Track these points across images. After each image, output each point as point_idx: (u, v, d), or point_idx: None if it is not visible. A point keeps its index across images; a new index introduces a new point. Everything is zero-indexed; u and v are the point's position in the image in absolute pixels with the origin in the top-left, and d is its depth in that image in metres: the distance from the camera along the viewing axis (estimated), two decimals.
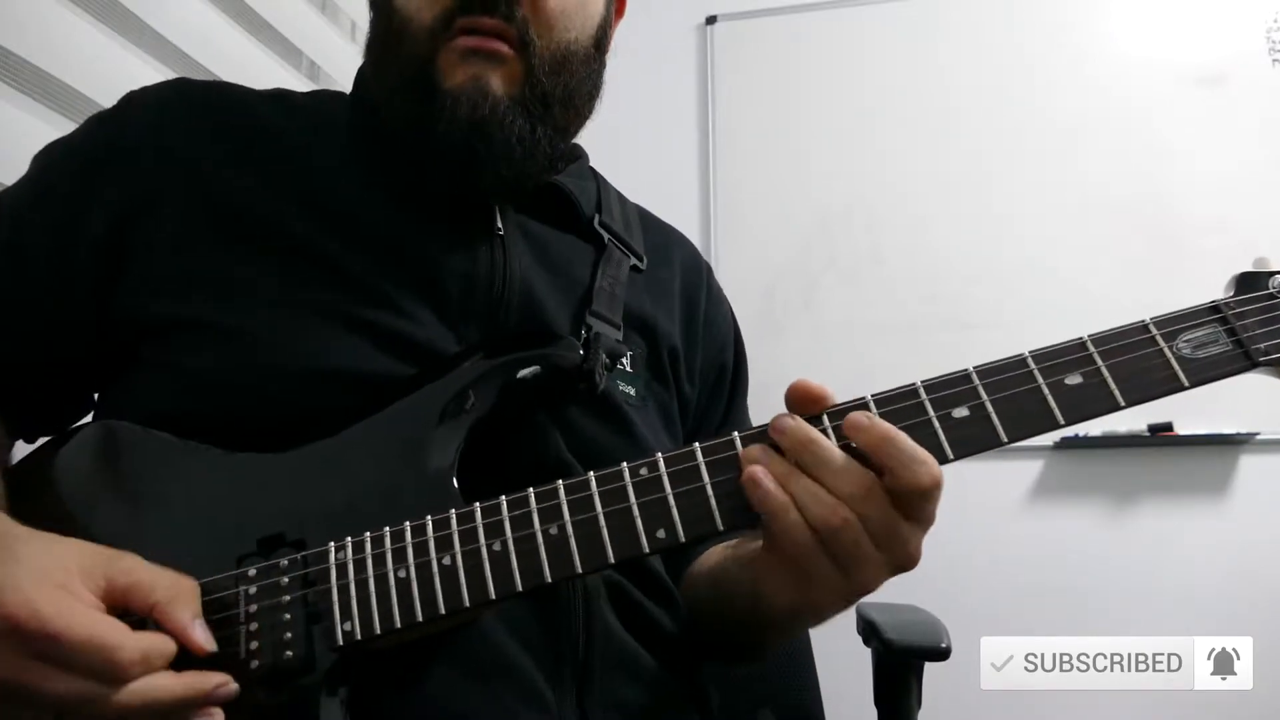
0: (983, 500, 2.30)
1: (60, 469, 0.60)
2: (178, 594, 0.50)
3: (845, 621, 1.06)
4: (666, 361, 0.75)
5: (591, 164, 0.84)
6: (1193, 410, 2.17)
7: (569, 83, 0.68)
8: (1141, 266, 2.21)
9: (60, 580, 0.47)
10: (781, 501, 0.50)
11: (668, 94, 2.64)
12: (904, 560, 0.53)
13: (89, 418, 0.69)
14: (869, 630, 1.00)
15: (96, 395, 0.70)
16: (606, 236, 0.75)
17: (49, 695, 0.46)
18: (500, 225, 0.69)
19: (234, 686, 0.50)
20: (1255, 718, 2.08)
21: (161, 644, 0.48)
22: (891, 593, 1.11)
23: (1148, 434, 2.20)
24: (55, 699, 0.46)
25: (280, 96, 0.74)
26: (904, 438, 0.50)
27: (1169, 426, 2.19)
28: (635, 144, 2.56)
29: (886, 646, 0.95)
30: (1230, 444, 2.19)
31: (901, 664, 0.95)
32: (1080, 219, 2.32)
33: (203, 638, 0.50)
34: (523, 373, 0.61)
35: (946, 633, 0.95)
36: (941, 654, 0.93)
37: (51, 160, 0.68)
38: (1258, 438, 2.17)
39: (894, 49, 2.51)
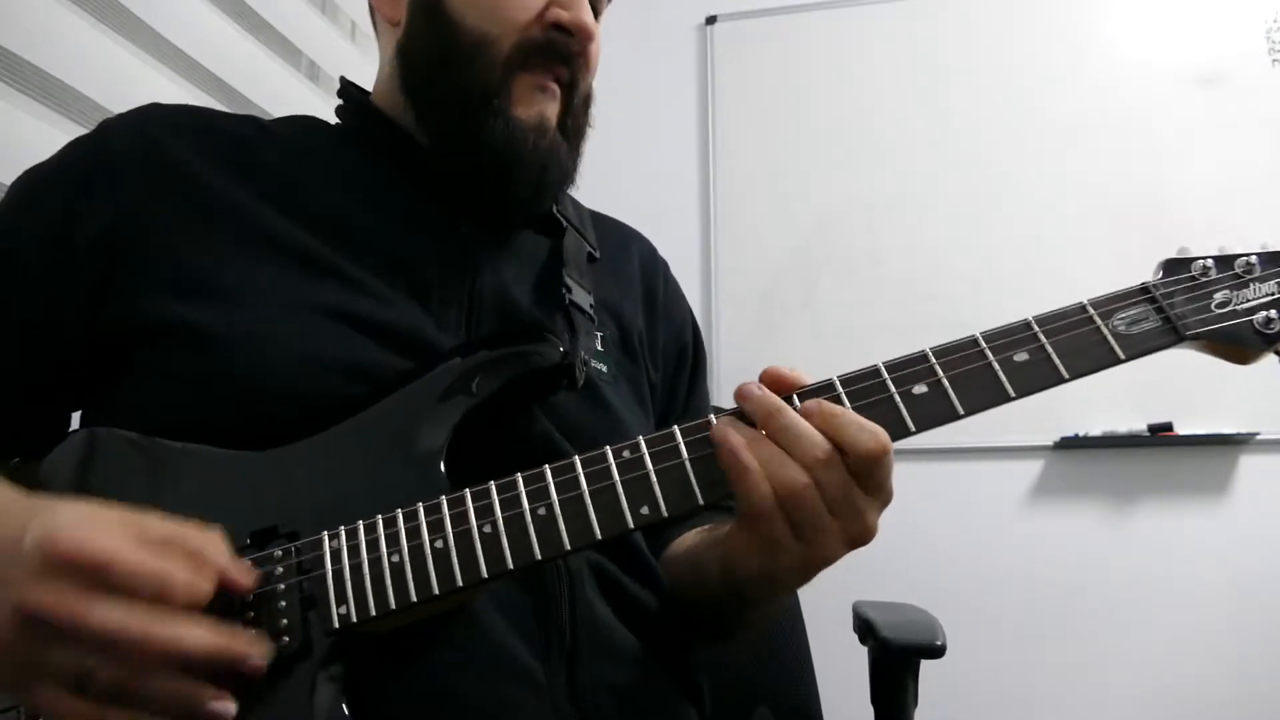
0: (982, 500, 2.31)
1: (47, 476, 0.60)
2: (208, 541, 0.51)
3: (843, 620, 1.07)
4: (635, 342, 0.79)
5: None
6: (1193, 410, 2.17)
7: (588, 119, 0.77)
8: (1141, 266, 2.18)
9: (102, 518, 0.49)
10: (746, 461, 0.53)
11: (668, 94, 2.64)
12: (860, 533, 0.55)
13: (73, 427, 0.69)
14: (865, 629, 1.00)
15: (84, 410, 0.70)
16: (564, 223, 0.80)
17: (95, 626, 0.46)
18: (468, 226, 0.73)
19: (262, 663, 0.50)
20: (1257, 717, 2.09)
21: (203, 581, 0.49)
22: (890, 592, 1.12)
23: (1148, 434, 2.20)
24: (100, 631, 0.46)
25: (250, 119, 0.76)
26: (849, 412, 0.55)
27: (1169, 426, 2.19)
28: (635, 144, 2.57)
29: (883, 645, 0.96)
30: (1230, 444, 2.19)
31: (898, 662, 0.96)
32: (1079, 219, 2.32)
33: (240, 573, 0.52)
34: (510, 377, 0.63)
35: (942, 631, 0.95)
36: (937, 652, 0.93)
37: (31, 184, 0.69)
38: (1258, 438, 2.17)
39: (894, 49, 2.51)
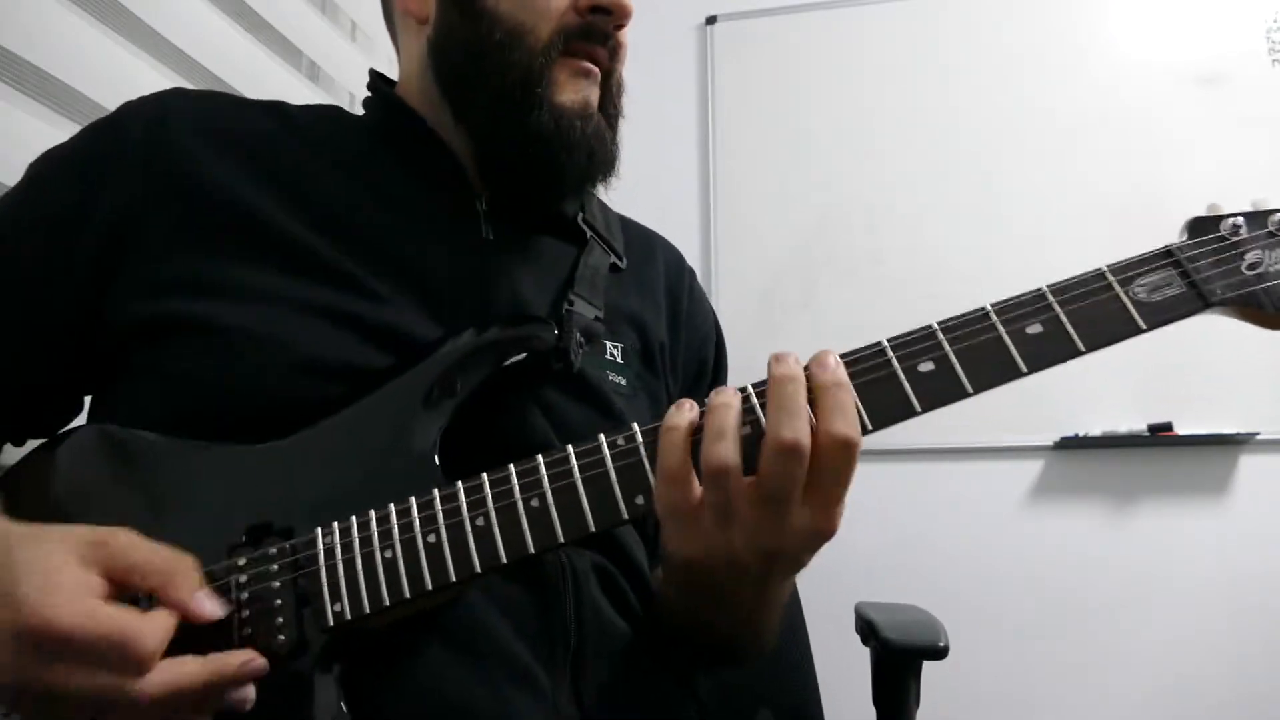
0: (982, 500, 2.30)
1: (51, 472, 0.60)
2: (175, 570, 0.51)
3: (844, 621, 1.07)
4: (657, 354, 0.77)
5: None
6: (1193, 410, 2.17)
7: (621, 107, 0.77)
8: None
9: (63, 580, 0.48)
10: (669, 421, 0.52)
11: (668, 94, 2.64)
12: (817, 525, 0.52)
13: (81, 420, 0.69)
14: (867, 630, 1.00)
15: (89, 402, 0.70)
16: (589, 233, 0.78)
17: (79, 693, 0.46)
18: (489, 233, 0.72)
19: (261, 661, 0.50)
20: (1257, 717, 2.09)
21: (170, 618, 0.49)
22: (891, 592, 1.12)
23: (1148, 434, 2.20)
24: (87, 695, 0.46)
25: (274, 106, 0.75)
26: (851, 393, 0.52)
27: (1169, 426, 2.19)
28: (635, 143, 2.56)
29: (885, 646, 0.95)
30: (1230, 444, 2.19)
31: (900, 663, 0.96)
32: (1079, 218, 2.32)
33: (208, 607, 0.51)
34: (507, 363, 0.62)
35: (945, 632, 0.95)
36: (939, 653, 0.93)
37: (45, 168, 0.69)
38: (1258, 438, 2.16)
39: (894, 49, 2.51)
